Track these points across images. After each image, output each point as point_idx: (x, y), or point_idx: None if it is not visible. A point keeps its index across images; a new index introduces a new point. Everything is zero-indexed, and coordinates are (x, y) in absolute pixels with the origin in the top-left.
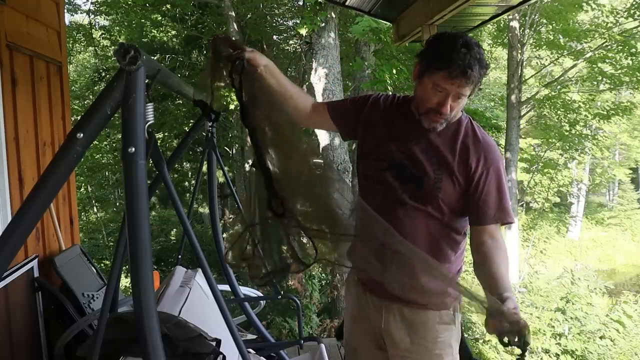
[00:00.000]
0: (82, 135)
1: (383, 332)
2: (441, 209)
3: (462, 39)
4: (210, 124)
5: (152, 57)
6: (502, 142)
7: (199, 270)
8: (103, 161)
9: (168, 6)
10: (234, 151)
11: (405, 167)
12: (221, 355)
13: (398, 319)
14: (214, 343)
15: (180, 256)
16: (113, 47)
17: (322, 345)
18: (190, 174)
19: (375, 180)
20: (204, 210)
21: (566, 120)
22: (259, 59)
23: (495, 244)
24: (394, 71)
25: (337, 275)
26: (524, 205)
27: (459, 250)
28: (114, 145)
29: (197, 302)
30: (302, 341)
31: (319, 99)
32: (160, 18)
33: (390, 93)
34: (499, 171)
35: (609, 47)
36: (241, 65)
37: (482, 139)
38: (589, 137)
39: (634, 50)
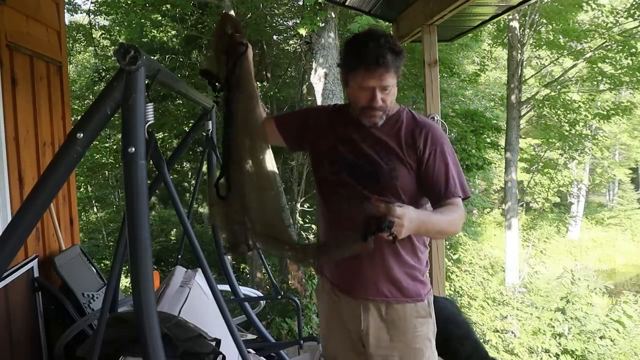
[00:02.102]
0: (82, 135)
1: (362, 335)
2: (401, 197)
3: (367, 34)
4: (215, 94)
5: (152, 57)
6: (502, 142)
7: (199, 270)
8: (103, 161)
9: (168, 6)
10: None
11: (358, 165)
12: (221, 355)
13: (377, 318)
14: (213, 343)
15: (180, 256)
16: (113, 47)
17: (321, 346)
18: (190, 174)
19: (335, 184)
20: (204, 210)
21: (566, 120)
22: (249, 54)
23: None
24: None
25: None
26: (524, 205)
27: (426, 244)
28: (114, 147)
29: (197, 302)
30: (302, 341)
31: (319, 99)
32: (160, 18)
33: (332, 103)
34: (444, 149)
35: (609, 47)
36: (243, 49)
37: (422, 122)
38: (589, 137)
39: (634, 50)
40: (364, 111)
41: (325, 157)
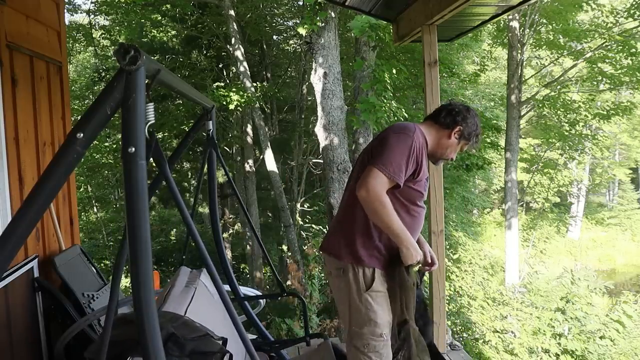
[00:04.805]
0: (82, 135)
1: None
2: None
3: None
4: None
5: (152, 57)
6: (502, 142)
7: (204, 270)
8: (103, 161)
9: (168, 6)
10: (234, 151)
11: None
12: (228, 354)
13: None
14: (220, 342)
15: (184, 256)
16: (113, 47)
17: (329, 341)
18: (190, 174)
19: (422, 197)
20: (204, 210)
21: (566, 120)
22: None
23: None
24: (394, 71)
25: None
26: (524, 205)
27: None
28: (114, 147)
29: (203, 302)
30: (309, 338)
31: (319, 99)
32: (160, 18)
33: (415, 134)
34: None
35: (609, 47)
36: None
37: None
38: (589, 137)
39: (634, 50)
40: (443, 159)
41: (424, 179)
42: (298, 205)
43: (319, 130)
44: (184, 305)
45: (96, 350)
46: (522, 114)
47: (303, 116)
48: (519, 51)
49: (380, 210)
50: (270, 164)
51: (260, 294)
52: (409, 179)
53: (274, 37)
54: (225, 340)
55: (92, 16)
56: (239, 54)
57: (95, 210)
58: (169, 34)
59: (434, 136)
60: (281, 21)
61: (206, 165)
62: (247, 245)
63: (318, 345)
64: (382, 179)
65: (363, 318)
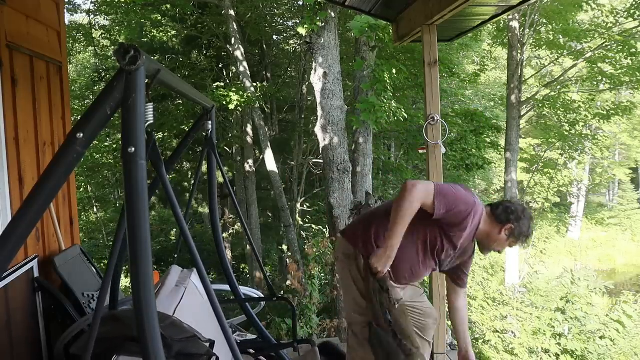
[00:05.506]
0: (82, 135)
1: None
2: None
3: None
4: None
5: (152, 57)
6: (502, 142)
7: (195, 269)
8: (103, 161)
9: (168, 6)
10: (234, 151)
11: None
12: (215, 357)
13: None
14: (207, 344)
15: (176, 255)
16: (113, 47)
17: (316, 349)
18: (190, 174)
19: (443, 255)
20: (204, 210)
21: (566, 120)
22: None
23: None
24: (394, 71)
25: (337, 275)
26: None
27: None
28: (114, 146)
29: (193, 302)
30: (297, 343)
31: (319, 98)
32: (160, 18)
33: (477, 208)
34: None
35: (609, 47)
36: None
37: None
38: (589, 137)
39: (634, 50)
40: (490, 250)
41: (456, 248)
42: (298, 205)
43: (319, 130)
44: (173, 305)
45: (82, 347)
46: (522, 114)
47: (303, 116)
48: (519, 51)
49: (403, 205)
50: (270, 164)
51: (261, 294)
52: (445, 225)
53: (274, 37)
54: (212, 343)
55: (92, 16)
56: (238, 54)
57: (95, 210)
58: (169, 34)
59: (487, 225)
60: (281, 21)
61: (205, 166)
62: (247, 245)
63: (305, 353)
64: (430, 192)
65: (363, 305)
